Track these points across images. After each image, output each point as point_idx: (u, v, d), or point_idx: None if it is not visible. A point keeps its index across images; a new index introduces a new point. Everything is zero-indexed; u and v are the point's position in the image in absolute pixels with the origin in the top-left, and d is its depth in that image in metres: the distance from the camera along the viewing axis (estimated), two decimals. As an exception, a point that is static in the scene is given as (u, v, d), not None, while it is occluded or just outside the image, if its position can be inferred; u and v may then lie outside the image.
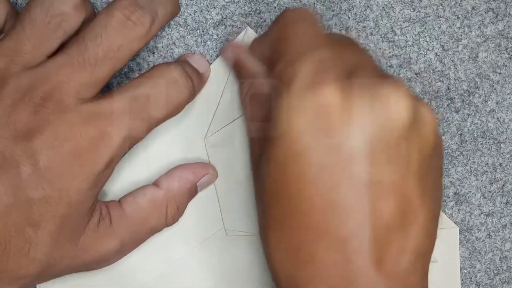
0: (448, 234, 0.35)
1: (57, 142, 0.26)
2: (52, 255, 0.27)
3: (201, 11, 0.34)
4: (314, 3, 0.34)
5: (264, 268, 0.34)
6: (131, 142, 0.28)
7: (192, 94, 0.30)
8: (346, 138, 0.24)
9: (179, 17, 0.34)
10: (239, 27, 0.34)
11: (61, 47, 0.27)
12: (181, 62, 0.31)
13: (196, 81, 0.31)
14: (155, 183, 0.31)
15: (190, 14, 0.34)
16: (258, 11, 0.34)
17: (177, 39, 0.34)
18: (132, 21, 0.27)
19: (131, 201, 0.30)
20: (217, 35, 0.34)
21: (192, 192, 0.32)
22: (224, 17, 0.34)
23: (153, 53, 0.33)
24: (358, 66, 0.26)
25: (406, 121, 0.24)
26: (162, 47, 0.34)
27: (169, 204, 0.31)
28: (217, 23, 0.34)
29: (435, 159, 0.26)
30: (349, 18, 0.35)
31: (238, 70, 0.32)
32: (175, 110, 0.29)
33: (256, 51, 0.30)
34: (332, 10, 0.34)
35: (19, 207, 0.26)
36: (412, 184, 0.24)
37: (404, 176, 0.24)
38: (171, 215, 0.31)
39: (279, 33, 0.28)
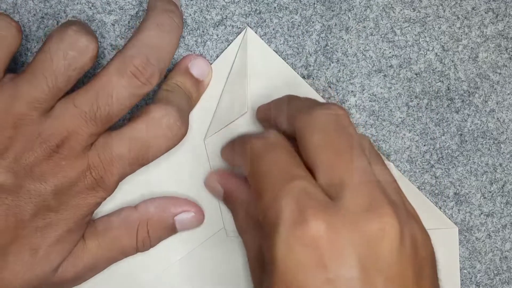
0: (447, 234, 0.35)
1: (67, 184, 0.28)
2: (40, 276, 0.29)
3: (201, 11, 0.34)
4: (314, 3, 0.34)
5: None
6: (122, 179, 0.30)
7: (179, 138, 0.30)
8: (340, 270, 0.24)
9: (179, 17, 0.34)
10: (239, 27, 0.34)
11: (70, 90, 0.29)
12: (176, 83, 0.32)
13: (195, 94, 0.32)
14: (135, 206, 0.32)
15: (190, 14, 0.34)
16: (258, 11, 0.34)
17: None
18: (142, 82, 0.28)
19: (105, 220, 0.32)
20: (217, 35, 0.34)
21: (169, 224, 0.32)
22: (224, 17, 0.34)
23: (153, 53, 0.33)
24: (342, 183, 0.25)
25: (395, 249, 0.24)
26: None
27: (140, 226, 0.32)
28: (217, 23, 0.34)
29: (430, 270, 0.26)
30: (349, 18, 0.35)
31: (230, 200, 0.32)
32: (166, 152, 0.30)
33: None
34: (332, 10, 0.34)
35: (23, 234, 0.28)
36: None
37: None
38: (141, 239, 0.31)
39: (251, 168, 0.28)
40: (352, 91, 0.35)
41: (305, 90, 0.34)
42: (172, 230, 0.32)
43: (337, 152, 0.26)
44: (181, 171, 0.33)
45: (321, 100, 0.35)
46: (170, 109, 0.29)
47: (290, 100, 0.31)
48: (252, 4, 0.34)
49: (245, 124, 0.33)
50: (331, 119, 0.27)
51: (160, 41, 0.29)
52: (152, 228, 0.32)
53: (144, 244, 0.32)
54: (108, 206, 0.33)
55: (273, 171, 0.26)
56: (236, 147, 0.31)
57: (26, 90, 0.28)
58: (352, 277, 0.24)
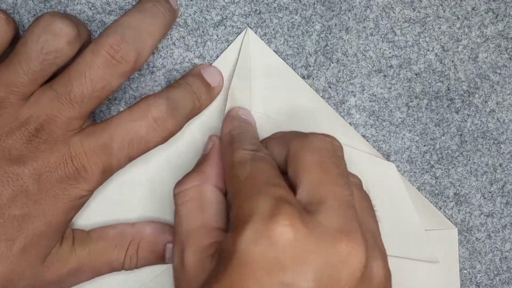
0: (447, 235, 0.35)
1: (47, 169, 0.28)
2: (17, 270, 0.28)
3: (201, 12, 0.34)
4: (314, 3, 0.34)
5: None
6: (109, 174, 0.30)
7: (167, 133, 0.30)
8: (297, 278, 0.24)
9: (179, 17, 0.34)
10: (239, 27, 0.34)
11: (52, 77, 0.29)
12: (184, 81, 0.31)
13: (205, 96, 0.32)
14: (132, 223, 0.32)
15: (190, 15, 0.34)
16: (258, 11, 0.34)
17: (177, 39, 0.34)
18: (116, 60, 0.28)
19: (99, 230, 0.31)
20: (217, 35, 0.34)
21: (159, 249, 0.32)
22: (224, 17, 0.34)
23: (153, 53, 0.33)
24: (322, 202, 0.26)
25: (355, 278, 0.24)
26: (162, 47, 0.33)
27: (132, 243, 0.31)
28: (217, 24, 0.34)
29: None
30: (349, 18, 0.35)
31: (199, 161, 0.31)
32: (153, 146, 0.30)
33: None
34: (332, 11, 0.34)
35: (0, 222, 0.27)
36: None
37: None
38: (129, 255, 0.31)
39: (233, 171, 0.28)
40: (352, 91, 0.35)
41: (305, 90, 0.34)
42: (160, 257, 0.32)
43: (325, 173, 0.27)
44: (184, 172, 0.33)
45: (320, 100, 0.35)
46: (160, 101, 0.29)
47: (284, 133, 0.31)
48: (252, 4, 0.34)
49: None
50: (327, 145, 0.28)
51: (139, 24, 0.29)
52: (142, 248, 0.31)
53: (131, 261, 0.31)
54: (115, 186, 0.33)
55: (255, 177, 0.26)
56: (224, 147, 0.30)
57: (3, 75, 0.28)
58: (306, 287, 0.24)
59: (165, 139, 0.30)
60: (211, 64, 0.33)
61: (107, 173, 0.29)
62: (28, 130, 0.28)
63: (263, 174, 0.27)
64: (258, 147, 0.29)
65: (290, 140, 0.29)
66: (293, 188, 0.27)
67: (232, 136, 0.30)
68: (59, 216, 0.29)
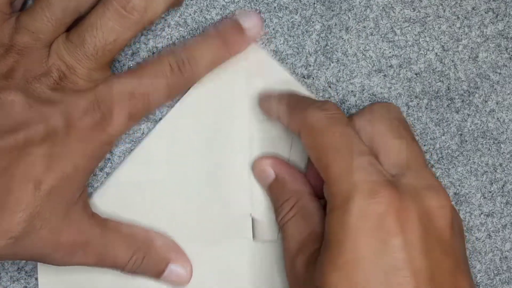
0: None
1: (76, 112, 0.29)
2: (42, 214, 0.28)
3: (201, 11, 0.34)
4: (314, 3, 0.34)
5: (271, 274, 0.34)
6: (134, 121, 0.31)
7: (181, 83, 0.31)
8: (407, 237, 0.26)
9: (179, 17, 0.34)
10: (239, 27, 0.34)
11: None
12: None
13: (234, 39, 0.32)
14: (147, 230, 0.32)
15: (190, 14, 0.34)
16: (258, 11, 0.34)
17: (177, 39, 0.34)
18: (127, 11, 0.29)
19: (115, 222, 0.32)
20: (217, 35, 0.34)
21: (160, 266, 0.32)
22: (224, 17, 0.34)
23: (153, 53, 0.33)
24: (407, 165, 0.28)
25: (449, 225, 0.27)
26: (162, 47, 0.34)
27: (141, 248, 0.31)
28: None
29: (465, 256, 0.29)
30: (349, 18, 0.35)
31: (278, 188, 0.32)
32: (175, 94, 0.32)
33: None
34: (332, 10, 0.34)
35: (29, 159, 0.28)
36: (463, 278, 0.27)
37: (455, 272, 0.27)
38: (135, 259, 0.31)
39: (313, 140, 0.29)
40: (352, 91, 0.35)
41: (302, 91, 0.34)
42: (159, 272, 0.32)
43: (402, 140, 0.29)
44: (184, 171, 0.33)
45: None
46: (179, 49, 0.31)
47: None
48: (252, 4, 0.34)
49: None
50: (391, 110, 0.30)
51: None
52: (149, 257, 0.32)
53: (134, 264, 0.31)
54: (115, 186, 0.33)
55: (340, 145, 0.28)
56: (286, 107, 0.31)
57: (27, 22, 0.29)
58: (415, 247, 0.26)
59: (183, 87, 0.32)
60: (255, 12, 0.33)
61: (132, 120, 0.31)
62: (53, 77, 0.29)
63: (346, 140, 0.28)
64: (324, 102, 0.30)
65: (353, 117, 0.30)
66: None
67: (289, 103, 0.31)
68: (84, 160, 0.29)
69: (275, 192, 0.32)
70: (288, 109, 0.31)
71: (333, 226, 0.27)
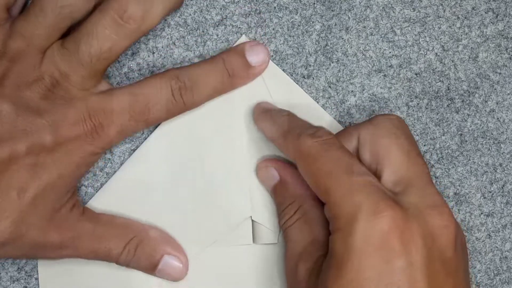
0: None
1: (64, 123, 0.29)
2: (26, 220, 0.28)
3: (201, 11, 0.34)
4: (314, 3, 0.34)
5: (270, 277, 0.34)
6: (124, 136, 0.30)
7: (182, 106, 0.31)
8: (411, 257, 0.26)
9: (179, 17, 0.33)
10: (239, 27, 0.34)
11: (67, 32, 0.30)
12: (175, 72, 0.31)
13: (240, 74, 0.32)
14: (141, 223, 0.32)
15: (190, 14, 0.34)
16: (258, 11, 0.34)
17: (177, 39, 0.34)
18: (124, 20, 0.29)
19: (108, 215, 0.32)
20: (217, 35, 0.34)
21: (155, 257, 0.32)
22: (224, 17, 0.34)
23: (153, 53, 0.33)
24: (410, 182, 0.28)
25: (452, 245, 0.27)
26: (162, 47, 0.33)
27: (134, 239, 0.31)
28: (217, 23, 0.34)
29: (468, 275, 0.29)
30: (349, 18, 0.35)
31: (282, 191, 0.32)
32: (171, 116, 0.31)
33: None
34: (332, 10, 0.34)
35: (13, 169, 0.28)
36: None
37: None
38: (128, 249, 0.31)
39: (310, 167, 0.28)
40: (352, 91, 0.35)
41: (302, 95, 0.34)
42: (153, 265, 0.32)
43: (405, 155, 0.29)
44: (183, 172, 0.33)
45: (319, 108, 0.35)
46: (182, 73, 0.30)
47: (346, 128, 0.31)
48: (252, 4, 0.34)
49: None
50: (396, 124, 0.30)
51: None
52: (142, 248, 0.31)
53: (127, 256, 0.31)
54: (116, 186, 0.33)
55: (337, 169, 0.27)
56: (280, 135, 0.30)
57: (20, 26, 0.29)
58: (418, 269, 0.26)
59: (180, 112, 0.31)
60: (262, 43, 0.33)
61: (123, 134, 0.30)
62: (44, 84, 0.29)
63: (343, 164, 0.28)
64: (317, 129, 0.29)
65: (357, 130, 0.30)
66: (372, 172, 0.29)
67: (283, 127, 0.31)
68: (71, 169, 0.29)
69: (278, 195, 0.32)
70: (281, 137, 0.30)
71: (337, 247, 0.27)
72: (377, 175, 0.29)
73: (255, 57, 0.32)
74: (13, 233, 0.28)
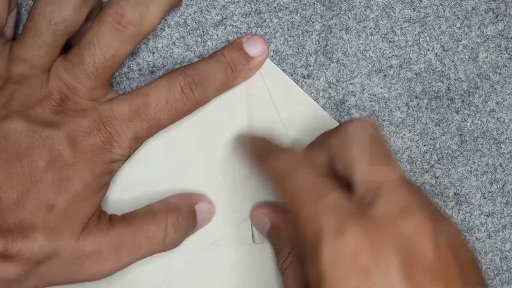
0: None
1: (80, 133, 0.29)
2: (59, 237, 0.28)
3: (201, 11, 0.34)
4: (314, 3, 0.34)
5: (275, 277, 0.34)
6: (141, 140, 0.31)
7: (193, 104, 0.31)
8: (384, 275, 0.24)
9: (179, 17, 0.33)
10: (239, 27, 0.34)
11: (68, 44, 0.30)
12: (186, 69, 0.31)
13: (241, 67, 0.32)
14: (155, 202, 0.32)
15: (190, 14, 0.34)
16: (258, 11, 0.34)
17: (177, 39, 0.34)
18: (122, 25, 0.29)
19: (130, 213, 0.31)
20: (217, 35, 0.34)
21: (192, 212, 0.32)
22: (224, 17, 0.34)
23: (153, 53, 0.33)
24: (378, 190, 0.26)
25: (433, 247, 0.25)
26: (162, 47, 0.33)
27: (169, 214, 0.31)
28: (217, 23, 0.34)
29: (475, 274, 0.27)
30: (349, 18, 0.35)
31: (275, 236, 0.32)
32: (182, 116, 0.31)
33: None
34: (332, 10, 0.34)
35: (38, 186, 0.28)
36: None
37: None
38: (171, 224, 0.31)
39: (281, 187, 0.28)
40: (352, 91, 0.35)
41: (302, 95, 0.34)
42: (194, 220, 0.32)
43: (373, 161, 0.27)
44: (182, 174, 0.33)
45: (319, 108, 0.35)
46: (189, 71, 0.30)
47: (320, 136, 0.31)
48: (252, 4, 0.34)
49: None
50: (364, 129, 0.28)
51: None
52: (180, 215, 0.31)
53: (175, 228, 0.31)
54: (117, 188, 0.33)
55: (304, 189, 0.26)
56: (257, 157, 0.30)
57: (19, 52, 0.29)
58: (397, 280, 0.24)
59: (192, 109, 0.31)
60: (259, 35, 0.33)
61: (139, 139, 0.30)
62: (54, 99, 0.29)
63: (309, 183, 0.27)
64: (285, 150, 0.29)
65: (328, 139, 0.29)
66: (347, 182, 0.27)
67: (253, 151, 0.31)
68: (95, 177, 0.29)
69: (272, 239, 0.32)
70: (254, 160, 0.30)
71: (311, 277, 0.25)
72: (351, 186, 0.28)
73: (253, 48, 0.32)
74: (48, 250, 0.28)
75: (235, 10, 0.34)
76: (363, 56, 0.35)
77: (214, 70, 0.31)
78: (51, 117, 0.29)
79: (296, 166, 0.27)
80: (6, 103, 0.28)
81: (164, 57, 0.33)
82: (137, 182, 0.33)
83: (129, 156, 0.33)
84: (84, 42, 0.29)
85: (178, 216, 0.31)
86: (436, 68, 0.35)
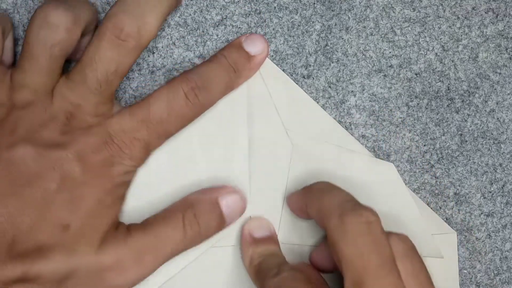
0: (446, 239, 0.35)
1: (89, 150, 0.29)
2: (78, 255, 0.28)
3: (201, 11, 0.34)
4: (314, 3, 0.34)
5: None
6: (150, 150, 0.30)
7: (198, 109, 0.31)
8: None
9: (179, 17, 0.33)
10: (239, 27, 0.34)
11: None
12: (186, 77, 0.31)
13: (243, 67, 0.32)
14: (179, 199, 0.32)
15: (190, 14, 0.34)
16: (258, 11, 0.34)
17: (177, 39, 0.34)
18: (121, 39, 0.28)
19: (148, 219, 0.31)
20: (217, 35, 0.34)
21: (215, 205, 0.31)
22: (224, 17, 0.34)
23: (153, 53, 0.33)
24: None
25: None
26: (162, 47, 0.33)
27: (186, 212, 0.30)
28: (217, 23, 0.34)
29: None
30: (349, 18, 0.35)
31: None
32: (189, 122, 0.31)
33: None
34: (332, 10, 0.34)
35: (51, 208, 0.28)
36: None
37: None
38: (188, 223, 0.30)
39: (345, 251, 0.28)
40: (352, 91, 0.35)
41: (302, 95, 0.34)
42: (220, 215, 0.31)
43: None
44: (182, 176, 0.33)
45: (319, 108, 0.35)
46: (191, 76, 0.30)
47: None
48: (252, 4, 0.34)
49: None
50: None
51: (140, 1, 0.29)
52: (198, 211, 0.30)
53: (193, 228, 0.30)
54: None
55: (375, 261, 0.26)
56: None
57: (20, 79, 0.29)
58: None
59: (198, 114, 0.31)
60: (260, 35, 0.33)
61: (148, 149, 0.30)
62: (60, 120, 0.29)
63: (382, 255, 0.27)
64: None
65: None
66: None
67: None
68: (108, 191, 0.29)
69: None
70: (319, 216, 0.29)
71: None
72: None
73: (253, 47, 0.32)
74: (67, 268, 0.28)
75: (235, 10, 0.34)
76: (363, 56, 0.35)
77: (216, 72, 0.31)
78: (58, 138, 0.28)
79: (372, 230, 0.27)
80: (12, 131, 0.28)
81: (164, 57, 0.33)
82: (137, 183, 0.33)
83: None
84: (85, 59, 0.29)
85: (195, 213, 0.30)
86: (436, 68, 0.35)
